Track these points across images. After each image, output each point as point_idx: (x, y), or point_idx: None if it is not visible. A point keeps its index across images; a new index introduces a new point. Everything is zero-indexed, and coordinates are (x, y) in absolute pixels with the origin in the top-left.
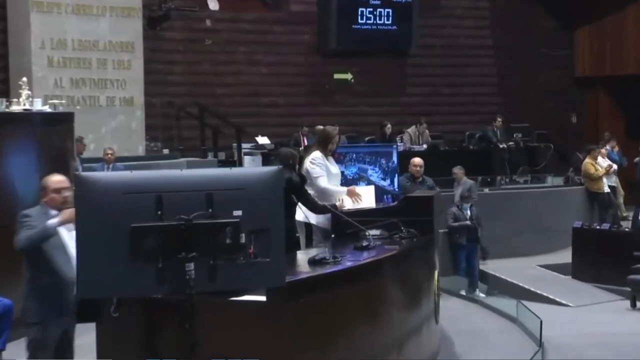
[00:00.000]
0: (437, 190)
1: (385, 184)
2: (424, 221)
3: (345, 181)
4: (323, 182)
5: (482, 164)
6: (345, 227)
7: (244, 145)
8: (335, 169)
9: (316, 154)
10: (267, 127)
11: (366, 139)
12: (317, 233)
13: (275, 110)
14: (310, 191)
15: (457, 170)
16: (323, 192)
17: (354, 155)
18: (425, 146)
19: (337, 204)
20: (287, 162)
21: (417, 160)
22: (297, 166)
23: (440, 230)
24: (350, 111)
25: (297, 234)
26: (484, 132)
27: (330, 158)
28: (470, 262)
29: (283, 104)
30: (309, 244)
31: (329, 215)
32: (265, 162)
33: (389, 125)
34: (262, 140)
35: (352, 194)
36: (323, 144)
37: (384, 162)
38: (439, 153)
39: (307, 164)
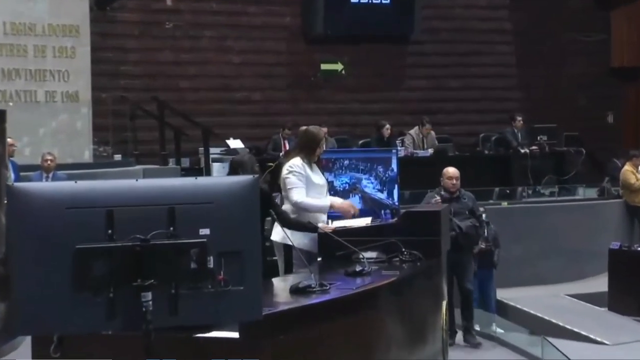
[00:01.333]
0: (480, 210)
1: (383, 196)
2: (430, 241)
3: (335, 193)
4: (296, 195)
5: (499, 173)
6: (334, 248)
7: (212, 150)
8: (319, 178)
9: (295, 161)
10: (240, 128)
11: (360, 142)
12: (299, 256)
13: (250, 108)
14: (286, 206)
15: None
16: (298, 208)
17: (345, 161)
18: (430, 151)
19: (321, 224)
20: (236, 172)
21: (452, 170)
22: (269, 174)
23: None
24: (341, 109)
25: (274, 257)
26: (502, 134)
27: (315, 166)
28: (484, 290)
29: (259, 100)
30: (288, 270)
31: (314, 235)
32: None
33: (387, 126)
34: (235, 143)
35: (343, 209)
36: (306, 148)
37: (381, 170)
38: (447, 159)
39: (283, 172)
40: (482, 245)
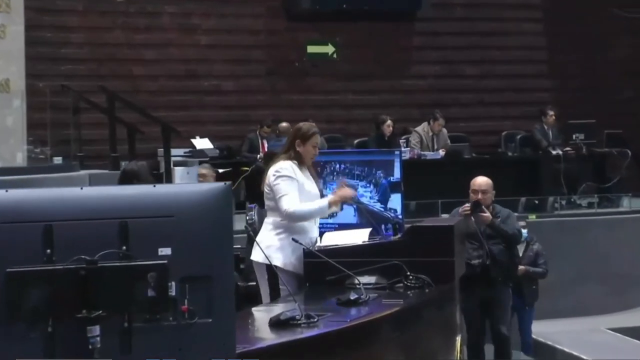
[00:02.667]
0: (516, 227)
1: (383, 208)
2: (441, 263)
3: None
4: (286, 203)
5: (526, 179)
6: (322, 271)
7: (174, 152)
8: (312, 185)
9: (283, 164)
10: (208, 125)
11: (355, 141)
12: (285, 280)
13: (220, 100)
14: (271, 220)
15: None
16: (291, 219)
17: (337, 165)
18: (442, 152)
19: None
20: (129, 181)
21: (480, 182)
22: (244, 181)
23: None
24: (332, 101)
25: (249, 283)
26: (529, 131)
27: (307, 171)
28: (519, 325)
29: (232, 91)
30: (275, 297)
31: (301, 254)
32: None
33: (388, 122)
34: (201, 143)
35: (344, 196)
36: (296, 148)
37: (381, 175)
38: (462, 163)
39: (270, 178)
40: (540, 269)
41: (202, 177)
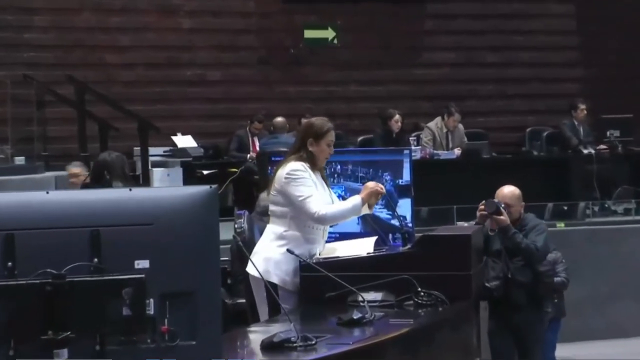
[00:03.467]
0: (536, 242)
1: (390, 215)
2: (456, 278)
3: None
4: (315, 205)
5: (553, 182)
6: (322, 287)
7: (152, 151)
8: (324, 192)
9: (296, 165)
10: (191, 120)
11: (358, 139)
12: (283, 299)
13: (205, 92)
14: (278, 227)
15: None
16: (322, 222)
17: (338, 167)
18: (457, 152)
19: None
20: (101, 177)
21: (507, 191)
22: (232, 184)
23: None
24: (332, 93)
25: (237, 300)
26: (557, 128)
27: (318, 174)
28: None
29: (219, 81)
30: (273, 315)
31: (299, 268)
32: (190, 178)
33: (396, 117)
34: (184, 141)
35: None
36: (307, 148)
37: (388, 178)
38: (481, 164)
39: (281, 181)
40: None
41: (73, 177)
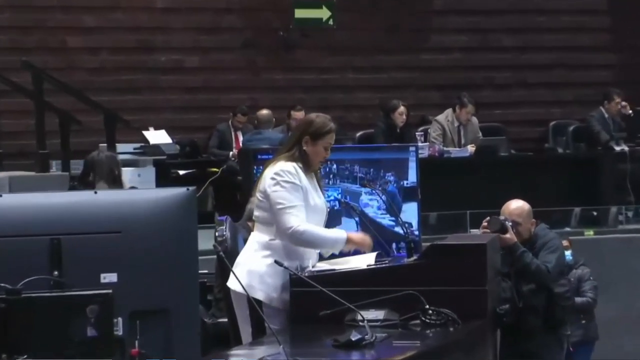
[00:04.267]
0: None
1: (394, 221)
2: (470, 293)
3: None
4: (294, 219)
5: (581, 184)
6: (316, 303)
7: (121, 148)
8: (317, 197)
9: (285, 166)
10: (165, 112)
11: (357, 134)
12: (269, 318)
13: (181, 80)
14: (264, 235)
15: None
16: (296, 240)
17: (334, 166)
18: (471, 149)
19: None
20: (87, 177)
21: (513, 207)
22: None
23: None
24: (327, 82)
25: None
26: (585, 121)
27: (313, 177)
28: None
29: (197, 68)
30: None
31: (287, 282)
32: (164, 179)
33: (401, 109)
34: (157, 136)
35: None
36: (302, 147)
37: (391, 179)
38: (498, 163)
39: (266, 182)
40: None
41: None
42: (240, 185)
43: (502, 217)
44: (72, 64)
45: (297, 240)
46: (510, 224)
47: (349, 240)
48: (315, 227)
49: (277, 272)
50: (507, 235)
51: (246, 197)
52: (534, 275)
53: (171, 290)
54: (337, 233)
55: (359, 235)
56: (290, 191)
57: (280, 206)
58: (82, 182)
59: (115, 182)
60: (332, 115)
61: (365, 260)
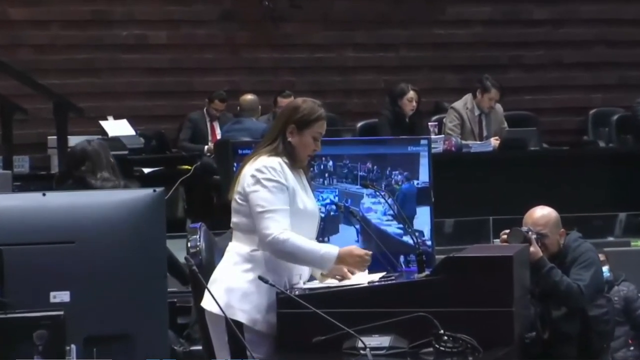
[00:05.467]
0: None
1: (402, 229)
2: (493, 315)
3: None
4: (274, 226)
5: (625, 185)
6: (308, 327)
7: (73, 140)
8: (306, 197)
9: (268, 162)
10: (127, 99)
11: (358, 124)
12: (252, 344)
13: (146, 59)
14: (243, 246)
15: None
16: (276, 251)
17: (330, 163)
18: (495, 142)
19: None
20: (72, 172)
21: (538, 215)
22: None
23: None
24: (322, 61)
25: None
26: (633, 110)
27: (300, 174)
28: None
29: (165, 45)
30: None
31: (274, 302)
32: (126, 178)
33: (410, 94)
34: (117, 127)
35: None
36: (287, 140)
37: (399, 178)
38: (527, 158)
39: (246, 181)
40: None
41: None
42: (217, 185)
43: (524, 228)
44: (15, 41)
45: (276, 250)
46: (534, 236)
47: (340, 260)
48: (299, 237)
49: (261, 290)
50: (532, 249)
51: (224, 200)
52: (565, 296)
53: (134, 312)
54: (325, 248)
55: (352, 253)
56: (273, 192)
57: (260, 209)
58: (64, 179)
59: (115, 171)
60: (328, 101)
61: (368, 277)
